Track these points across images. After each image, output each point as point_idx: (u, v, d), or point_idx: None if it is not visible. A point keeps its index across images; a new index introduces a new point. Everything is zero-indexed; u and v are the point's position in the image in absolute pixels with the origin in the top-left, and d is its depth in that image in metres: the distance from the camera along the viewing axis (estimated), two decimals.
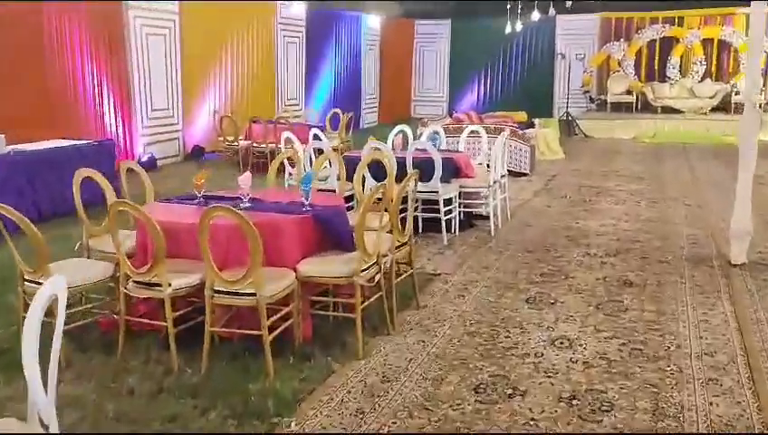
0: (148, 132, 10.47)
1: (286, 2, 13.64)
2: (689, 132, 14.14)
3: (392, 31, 18.24)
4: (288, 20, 13.86)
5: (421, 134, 8.65)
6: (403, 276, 4.20)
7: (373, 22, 17.28)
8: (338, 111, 11.47)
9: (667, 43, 16.61)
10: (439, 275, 4.95)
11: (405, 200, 4.41)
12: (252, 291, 3.29)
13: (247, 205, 4.02)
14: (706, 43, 16.24)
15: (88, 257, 4.10)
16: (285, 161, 6.18)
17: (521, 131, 9.81)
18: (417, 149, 6.03)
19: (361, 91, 17.19)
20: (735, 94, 15.37)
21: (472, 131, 7.53)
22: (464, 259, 5.35)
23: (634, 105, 16.14)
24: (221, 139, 10.50)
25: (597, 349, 3.61)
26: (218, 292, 3.35)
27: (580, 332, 3.84)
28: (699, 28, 16.28)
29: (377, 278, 3.78)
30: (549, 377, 3.29)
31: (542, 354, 3.55)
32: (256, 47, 12.93)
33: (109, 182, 4.40)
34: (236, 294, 3.32)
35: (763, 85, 15.68)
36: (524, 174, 9.49)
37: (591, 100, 17.29)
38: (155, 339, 3.69)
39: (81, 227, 4.16)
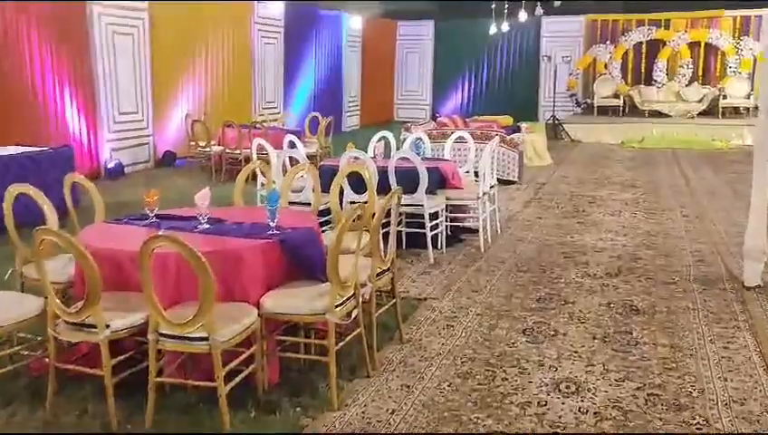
0: (114, 137, 9.86)
1: (264, 1, 13.09)
2: (678, 137, 13.82)
3: (374, 32, 17.75)
4: (265, 20, 13.31)
5: (404, 140, 8.18)
6: (385, 307, 3.69)
7: (355, 22, 16.77)
8: (317, 114, 10.95)
9: (654, 46, 16.30)
10: (425, 299, 4.46)
11: (387, 214, 3.93)
12: (204, 335, 2.76)
13: (205, 227, 3.49)
14: (693, 46, 15.96)
15: (22, 289, 3.55)
16: (258, 169, 5.66)
17: (509, 137, 9.36)
18: (400, 159, 5.53)
19: (343, 93, 16.67)
20: (723, 98, 15.11)
21: (458, 138, 7.05)
22: (452, 281, 4.86)
23: (621, 109, 15.82)
24: (193, 144, 9.92)
25: (608, 395, 3.13)
26: (164, 335, 2.82)
27: (587, 372, 3.36)
28: (686, 31, 15.99)
29: (354, 313, 3.27)
30: (556, 434, 2.80)
31: (546, 403, 3.06)
32: (232, 48, 12.36)
33: (68, 193, 3.91)
34: (186, 338, 2.79)
35: (752, 89, 15.49)
36: (513, 182, 9.03)
37: (578, 103, 16.93)
38: (97, 386, 3.14)
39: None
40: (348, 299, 3.21)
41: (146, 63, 10.33)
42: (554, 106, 15.40)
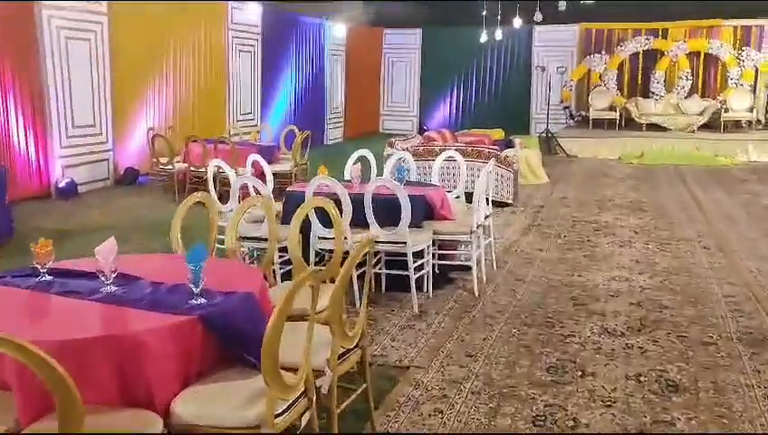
0: (67, 153, 8.90)
1: (238, 2, 12.19)
2: (679, 152, 13.03)
3: (359, 40, 16.91)
4: (241, 25, 12.41)
5: (387, 157, 7.30)
6: (352, 397, 2.78)
7: (338, 30, 15.92)
8: (293, 127, 10.04)
9: (651, 57, 15.58)
10: (407, 368, 3.55)
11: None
12: None
13: (110, 290, 2.58)
14: (692, 56, 15.25)
15: None
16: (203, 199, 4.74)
17: (503, 154, 8.50)
18: (380, 185, 4.63)
19: (325, 104, 15.79)
20: (725, 112, 14.39)
21: (448, 157, 6.18)
22: (441, 339, 3.96)
23: (617, 122, 15.05)
24: (155, 161, 8.98)
25: None
26: None
27: None
28: (685, 40, 15.28)
29: (305, 418, 2.37)
30: None
31: None
32: (204, 55, 11.44)
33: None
34: None
35: (754, 102, 14.78)
36: (507, 204, 8.17)
37: (571, 116, 16.16)
38: None
39: None
40: (296, 401, 2.30)
41: (105, 72, 9.40)
42: (548, 119, 14.61)
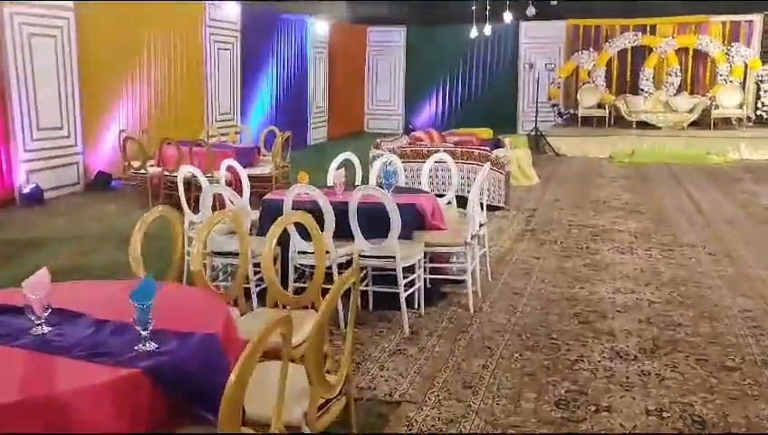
0: (32, 157, 8.38)
1: (215, 1, 11.71)
2: (670, 150, 12.74)
3: (342, 38, 16.45)
4: (219, 23, 11.92)
5: (373, 159, 6.90)
6: None
7: (320, 28, 15.46)
8: (274, 128, 9.58)
9: (640, 53, 15.28)
10: (398, 405, 3.14)
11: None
12: None
13: (41, 332, 2.14)
14: (681, 52, 14.97)
15: None
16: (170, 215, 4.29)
17: (494, 155, 8.12)
18: (367, 194, 4.21)
19: (308, 104, 15.31)
20: (715, 108, 14.14)
21: (438, 159, 5.77)
22: (435, 366, 3.55)
23: (607, 120, 14.75)
24: (126, 165, 8.49)
25: None
26: None
27: None
28: (673, 36, 15.00)
29: None
30: None
31: None
32: (181, 53, 10.94)
33: None
34: None
35: (744, 99, 14.54)
36: (499, 208, 7.78)
37: (560, 114, 15.83)
38: None
39: None
40: None
41: (73, 71, 8.88)
42: (537, 117, 14.27)
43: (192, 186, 6.51)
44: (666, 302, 4.53)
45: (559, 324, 4.14)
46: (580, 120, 14.89)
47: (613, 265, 5.48)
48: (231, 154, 8.43)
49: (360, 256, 4.10)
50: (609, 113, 14.77)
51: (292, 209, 4.17)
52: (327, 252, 4.08)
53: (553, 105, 15.88)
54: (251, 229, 4.80)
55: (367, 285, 4.32)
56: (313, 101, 15.51)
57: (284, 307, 3.16)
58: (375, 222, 4.11)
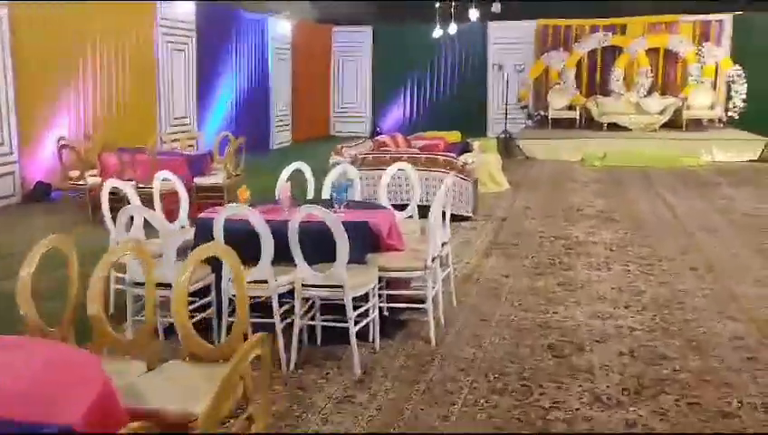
0: None
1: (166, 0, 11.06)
2: (642, 153, 12.41)
3: (306, 38, 15.88)
4: (172, 22, 11.27)
5: (334, 166, 6.33)
6: None
7: (282, 27, 14.87)
8: (228, 133, 8.97)
9: (610, 54, 15.00)
10: None
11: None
12: None
13: None
14: (652, 53, 14.72)
15: None
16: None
17: (460, 161, 7.65)
18: (310, 213, 3.67)
19: (270, 106, 14.71)
20: (687, 109, 13.91)
21: (398, 169, 5.26)
22: (388, 420, 3.03)
23: (578, 121, 14.43)
24: (64, 175, 7.82)
25: None
26: None
27: None
28: (644, 36, 14.74)
29: None
30: None
31: None
32: (130, 53, 10.27)
33: None
34: None
35: (715, 99, 14.34)
36: (466, 217, 7.30)
37: (530, 116, 15.49)
38: None
39: None
40: None
41: (6, 73, 8.18)
42: (506, 120, 13.88)
43: (124, 202, 5.90)
44: (648, 329, 4.07)
45: (531, 359, 3.65)
46: (550, 122, 14.56)
47: (589, 283, 5.02)
48: (181, 161, 7.83)
49: (304, 285, 3.57)
50: (580, 115, 14.48)
51: (230, 231, 3.64)
52: (265, 281, 3.56)
53: (523, 107, 15.53)
54: (187, 251, 4.24)
55: (313, 318, 3.79)
56: (276, 103, 14.92)
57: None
58: (322, 245, 3.58)
